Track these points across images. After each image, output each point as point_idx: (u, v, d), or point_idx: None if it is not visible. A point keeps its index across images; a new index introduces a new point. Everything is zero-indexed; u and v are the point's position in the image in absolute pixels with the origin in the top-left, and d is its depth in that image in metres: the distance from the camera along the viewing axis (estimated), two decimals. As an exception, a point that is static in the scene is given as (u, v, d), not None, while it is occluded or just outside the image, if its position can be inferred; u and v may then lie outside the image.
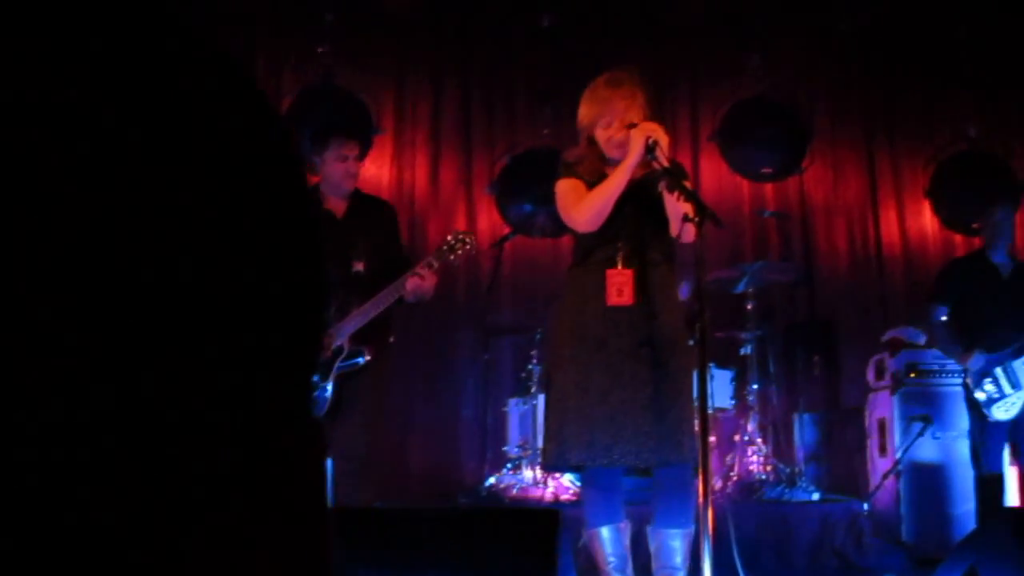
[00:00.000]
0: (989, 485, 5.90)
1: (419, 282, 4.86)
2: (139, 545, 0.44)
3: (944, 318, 6.25)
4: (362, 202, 5.21)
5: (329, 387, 4.87)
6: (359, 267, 4.98)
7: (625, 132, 3.97)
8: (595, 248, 4.00)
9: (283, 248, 0.49)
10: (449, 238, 5.05)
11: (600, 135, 4.03)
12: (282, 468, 0.49)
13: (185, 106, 0.48)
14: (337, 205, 5.11)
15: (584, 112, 4.09)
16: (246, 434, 0.46)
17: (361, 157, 5.81)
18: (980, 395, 5.95)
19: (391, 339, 5.17)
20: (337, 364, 4.88)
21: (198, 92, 0.48)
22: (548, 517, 2.99)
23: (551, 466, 4.46)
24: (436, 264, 4.92)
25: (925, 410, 6.75)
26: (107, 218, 0.46)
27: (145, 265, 0.44)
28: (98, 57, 0.49)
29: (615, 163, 4.00)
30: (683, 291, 4.62)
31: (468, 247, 5.05)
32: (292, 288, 0.49)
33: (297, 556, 0.50)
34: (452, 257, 5.02)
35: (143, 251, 0.45)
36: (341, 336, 4.87)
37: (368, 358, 4.90)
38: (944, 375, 6.80)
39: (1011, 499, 6.20)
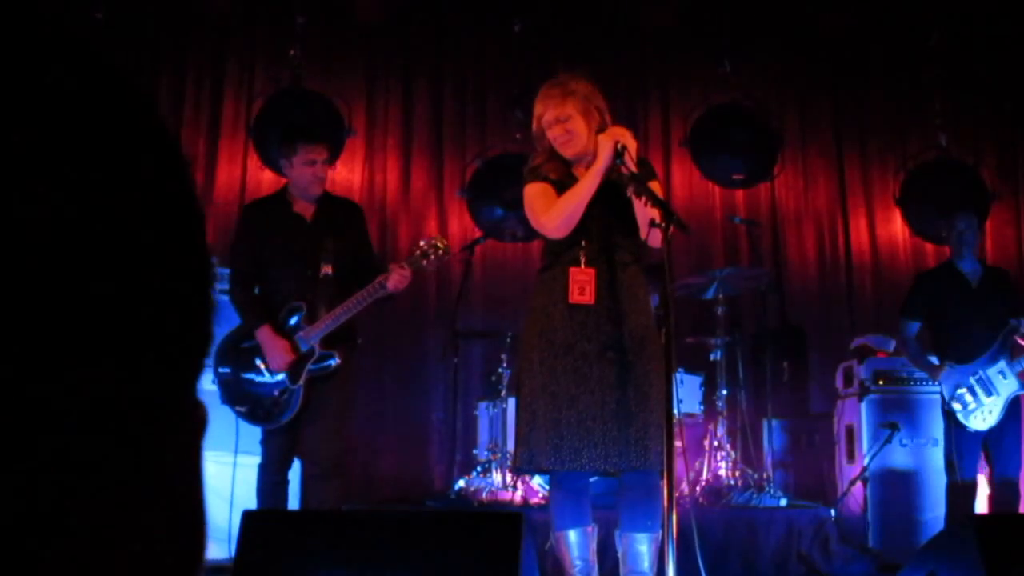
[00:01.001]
0: (961, 492, 5.92)
1: (405, 273, 4.84)
2: None
3: (916, 331, 6.28)
4: (331, 204, 5.19)
5: (300, 391, 4.85)
6: (327, 270, 4.96)
7: (563, 129, 3.97)
8: (563, 250, 4.00)
9: (159, 231, 0.48)
10: (423, 244, 5.02)
11: (548, 135, 4.03)
12: (151, 459, 0.47)
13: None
14: (305, 208, 5.09)
15: (534, 114, 4.09)
16: (111, 424, 0.45)
17: (331, 161, 5.78)
18: (957, 406, 5.95)
19: (359, 341, 5.15)
20: (308, 367, 4.86)
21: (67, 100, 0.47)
22: (511, 520, 2.98)
23: (521, 470, 4.44)
24: (408, 270, 4.89)
25: (893, 417, 6.78)
26: None
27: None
28: None
29: (578, 163, 4.01)
30: (655, 300, 4.60)
31: (441, 253, 5.02)
32: (172, 273, 0.48)
33: (164, 549, 0.48)
34: (425, 263, 5.00)
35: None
36: (312, 340, 4.86)
37: (339, 361, 4.89)
38: (912, 383, 6.83)
39: (980, 506, 6.21)
